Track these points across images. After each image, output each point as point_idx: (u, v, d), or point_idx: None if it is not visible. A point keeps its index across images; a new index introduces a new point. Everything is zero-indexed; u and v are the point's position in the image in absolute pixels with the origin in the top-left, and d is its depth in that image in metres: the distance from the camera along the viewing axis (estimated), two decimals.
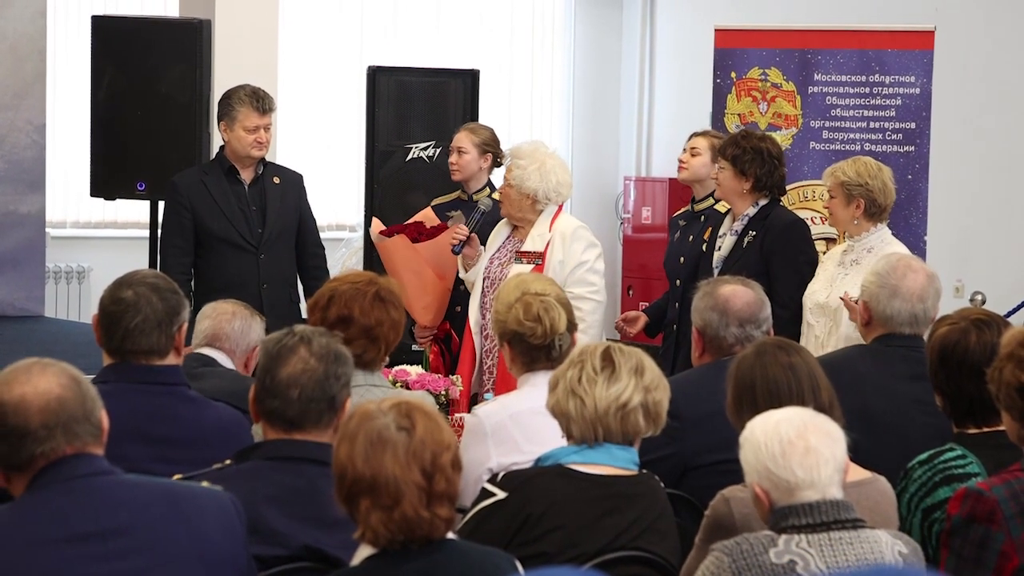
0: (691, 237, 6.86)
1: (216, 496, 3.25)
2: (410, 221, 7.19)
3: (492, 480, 3.87)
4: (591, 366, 3.84)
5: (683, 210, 7.18)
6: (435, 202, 7.34)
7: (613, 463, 3.83)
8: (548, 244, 6.65)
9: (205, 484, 3.30)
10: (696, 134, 7.15)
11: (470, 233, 6.88)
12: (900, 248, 6.09)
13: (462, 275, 6.96)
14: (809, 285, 6.25)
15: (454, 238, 6.88)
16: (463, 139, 7.21)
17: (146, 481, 3.22)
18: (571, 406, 3.83)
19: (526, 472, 3.90)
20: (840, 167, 6.26)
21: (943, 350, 4.21)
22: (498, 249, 6.82)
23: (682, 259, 6.84)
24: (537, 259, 6.64)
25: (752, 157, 6.43)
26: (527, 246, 6.70)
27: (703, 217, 6.90)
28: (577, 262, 6.64)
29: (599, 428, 3.82)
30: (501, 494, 3.81)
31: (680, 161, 7.11)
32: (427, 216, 7.20)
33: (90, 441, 3.12)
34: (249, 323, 5.21)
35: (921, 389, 4.59)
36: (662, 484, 3.98)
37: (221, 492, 3.27)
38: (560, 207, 6.78)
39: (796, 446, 3.35)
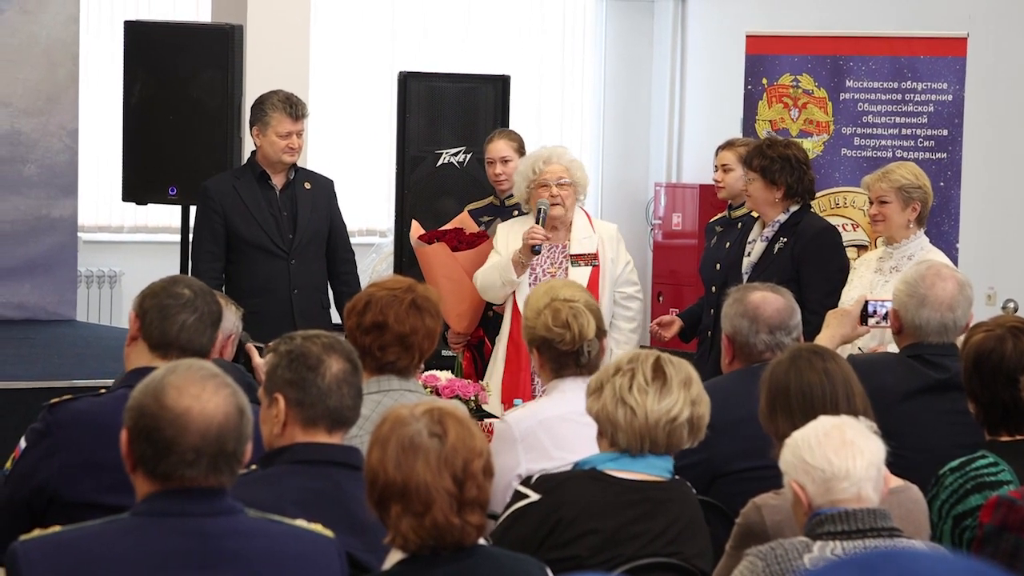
0: (728, 243, 6.84)
1: (321, 543, 3.17)
2: (448, 227, 7.13)
3: (525, 482, 3.87)
4: (643, 376, 3.79)
5: (720, 216, 7.16)
6: (470, 207, 7.32)
7: (649, 471, 3.82)
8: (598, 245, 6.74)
9: (318, 527, 3.19)
10: (722, 147, 7.08)
11: (546, 233, 6.76)
12: (939, 256, 6.04)
13: (515, 280, 6.81)
14: (845, 292, 6.20)
15: (533, 239, 6.70)
16: (504, 148, 7.16)
17: (262, 530, 3.07)
18: (620, 415, 3.79)
19: (559, 475, 3.89)
20: (893, 170, 6.16)
21: (978, 357, 4.20)
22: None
23: (718, 265, 6.82)
24: (594, 260, 6.68)
25: (781, 166, 6.41)
26: (575, 248, 6.71)
27: (740, 224, 6.88)
28: (624, 261, 6.82)
29: (646, 440, 3.79)
30: (534, 496, 3.81)
31: (715, 181, 7.08)
32: (464, 221, 7.17)
33: (227, 477, 2.99)
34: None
35: (948, 400, 4.57)
36: (694, 490, 3.98)
37: (329, 539, 3.19)
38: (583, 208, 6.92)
39: (832, 437, 3.37)
